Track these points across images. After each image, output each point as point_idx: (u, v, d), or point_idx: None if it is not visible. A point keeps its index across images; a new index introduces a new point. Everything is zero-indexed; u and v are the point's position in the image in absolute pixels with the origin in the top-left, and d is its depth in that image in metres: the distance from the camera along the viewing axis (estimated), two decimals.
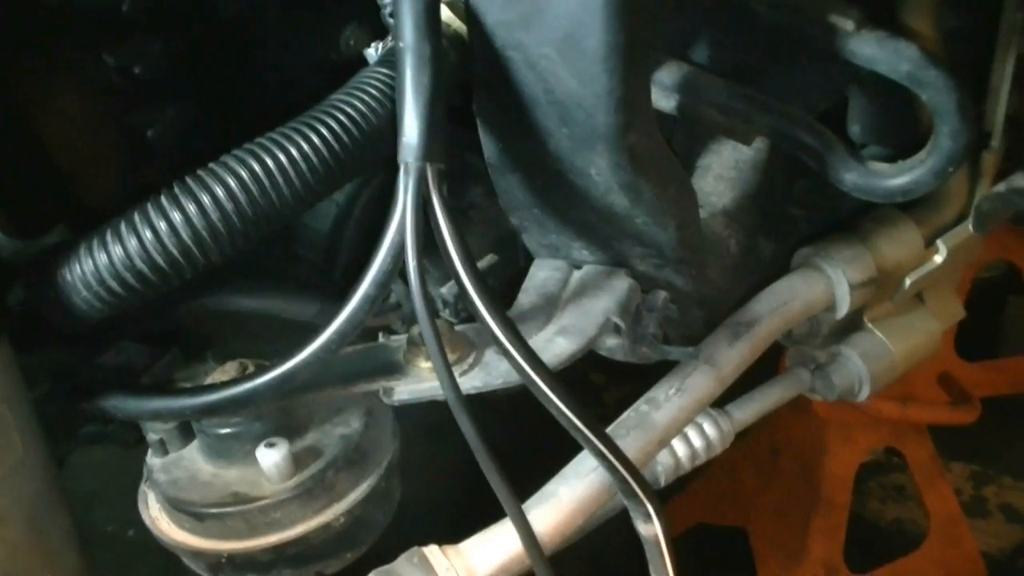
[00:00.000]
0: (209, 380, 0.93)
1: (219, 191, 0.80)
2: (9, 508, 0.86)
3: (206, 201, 0.80)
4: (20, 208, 0.98)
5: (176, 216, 0.79)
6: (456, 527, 0.92)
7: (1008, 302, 2.18)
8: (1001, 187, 1.11)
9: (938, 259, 1.17)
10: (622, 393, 2.18)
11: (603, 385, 2.22)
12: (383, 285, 0.79)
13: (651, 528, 0.86)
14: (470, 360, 0.89)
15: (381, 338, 0.93)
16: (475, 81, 0.86)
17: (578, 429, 0.80)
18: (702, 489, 1.86)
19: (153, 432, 0.95)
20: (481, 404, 0.83)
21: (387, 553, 0.90)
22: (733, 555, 1.86)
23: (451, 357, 0.87)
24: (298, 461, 0.90)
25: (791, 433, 1.80)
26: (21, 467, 0.87)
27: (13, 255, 0.95)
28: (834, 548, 1.75)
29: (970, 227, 1.15)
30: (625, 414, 0.97)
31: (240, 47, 1.09)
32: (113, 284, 0.81)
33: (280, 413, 0.92)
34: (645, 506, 0.84)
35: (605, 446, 0.81)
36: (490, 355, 0.90)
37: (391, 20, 0.95)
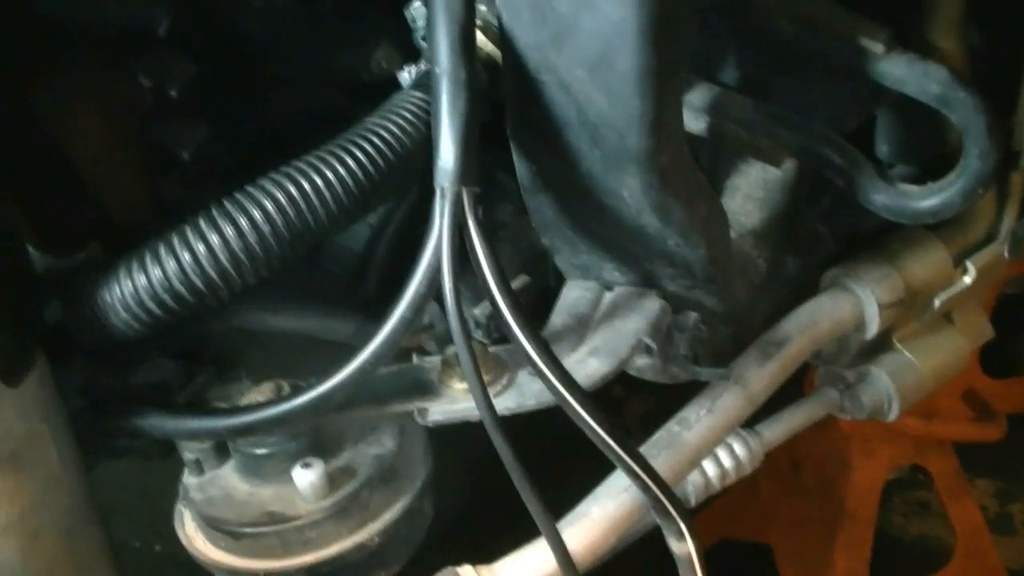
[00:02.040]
0: (245, 400, 0.94)
1: (256, 213, 0.81)
2: (46, 522, 0.87)
3: (244, 223, 0.80)
4: (54, 226, 0.99)
5: (215, 238, 0.80)
6: (470, 541, 0.93)
7: None
8: None
9: (967, 279, 1.17)
10: (643, 407, 2.18)
11: (624, 398, 2.22)
12: (419, 307, 0.79)
13: (684, 546, 0.86)
14: (503, 381, 0.90)
15: (415, 358, 0.94)
16: (508, 102, 0.86)
17: (612, 449, 0.80)
18: (724, 504, 1.85)
19: (189, 451, 0.96)
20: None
21: (415, 570, 0.91)
22: (757, 570, 1.85)
23: (485, 378, 0.87)
24: (333, 481, 0.91)
25: (813, 447, 1.80)
26: (58, 482, 0.88)
27: (46, 271, 0.97)
28: (859, 563, 1.75)
29: (1003, 252, 1.15)
30: (656, 434, 0.97)
31: (270, 67, 1.11)
32: (152, 305, 0.82)
33: (315, 433, 0.92)
34: (678, 524, 0.85)
35: (638, 465, 0.81)
36: (523, 376, 0.90)
37: (424, 43, 0.96)
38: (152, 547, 1.89)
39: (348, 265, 1.09)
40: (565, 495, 0.93)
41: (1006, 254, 1.16)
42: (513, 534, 0.90)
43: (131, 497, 1.77)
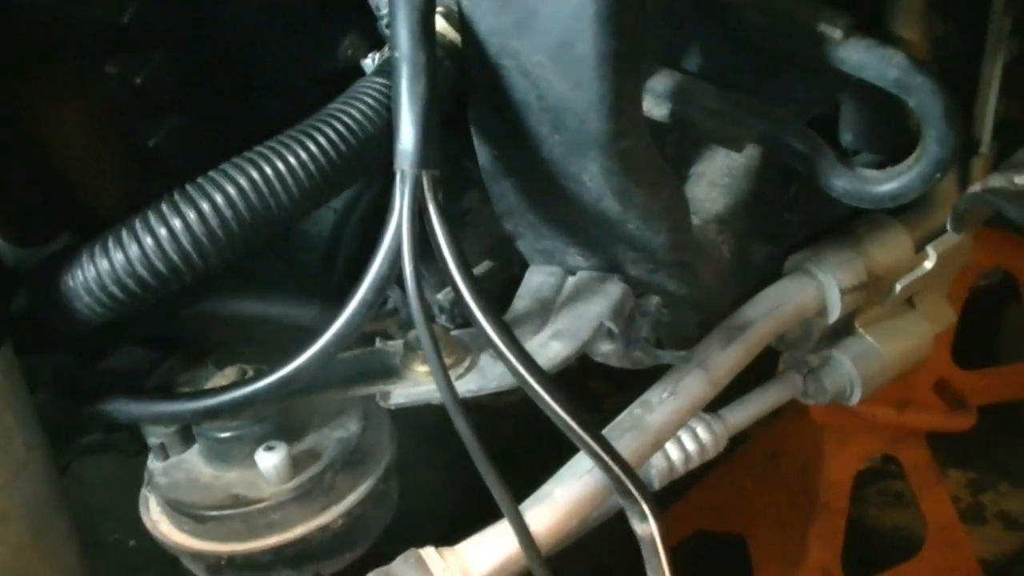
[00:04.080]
0: (209, 384, 0.95)
1: (218, 198, 0.81)
2: (12, 510, 0.87)
3: (205, 208, 0.81)
4: (23, 217, 1.00)
5: (176, 222, 0.81)
6: (447, 529, 0.93)
7: (1005, 310, 2.19)
8: (977, 187, 1.13)
9: (928, 264, 1.19)
10: (622, 401, 2.19)
11: (604, 393, 2.23)
12: (380, 290, 0.80)
13: (647, 527, 0.87)
14: (465, 364, 0.91)
15: (378, 343, 0.95)
16: (469, 88, 0.87)
17: (573, 430, 0.81)
18: (700, 496, 1.86)
19: (154, 436, 0.97)
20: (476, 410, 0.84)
21: (385, 554, 0.91)
22: (731, 562, 1.86)
23: (447, 361, 0.88)
24: (297, 463, 0.92)
25: (788, 439, 1.82)
26: (23, 470, 0.88)
27: (17, 262, 0.97)
28: (832, 554, 1.76)
29: (960, 235, 1.17)
30: (619, 417, 0.98)
31: (240, 58, 1.11)
32: (115, 289, 0.82)
33: (279, 416, 0.93)
34: (640, 505, 0.85)
35: (600, 446, 0.82)
36: (485, 359, 0.91)
37: (387, 31, 0.97)
38: (128, 542, 1.89)
39: (314, 252, 1.09)
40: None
41: (949, 227, 1.17)
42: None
43: (109, 493, 1.77)
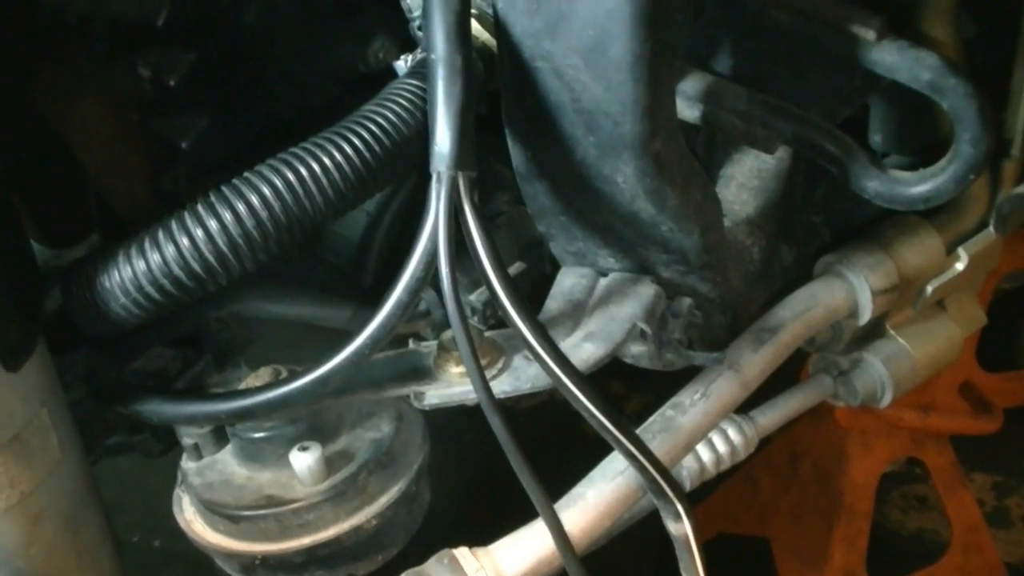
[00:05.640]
0: (243, 385, 0.95)
1: (254, 199, 0.82)
2: (47, 508, 0.88)
3: (241, 209, 0.81)
4: (54, 219, 1.00)
5: (213, 224, 0.81)
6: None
7: None
8: (1021, 189, 1.12)
9: (959, 266, 1.18)
10: (642, 403, 2.19)
11: (623, 395, 2.23)
12: (416, 291, 0.80)
13: (681, 527, 0.87)
14: (499, 365, 0.91)
15: (411, 344, 0.95)
16: (503, 90, 0.87)
17: (609, 431, 0.81)
18: (722, 498, 1.86)
19: (188, 437, 0.97)
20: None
21: (416, 556, 0.91)
22: (754, 564, 1.86)
23: (481, 362, 0.88)
24: (330, 464, 0.92)
25: (810, 441, 1.80)
26: (58, 469, 0.89)
27: (47, 263, 0.97)
28: (856, 557, 1.75)
29: (991, 230, 1.16)
30: (651, 419, 0.98)
31: (269, 60, 1.11)
32: (150, 290, 0.83)
33: (313, 417, 0.93)
34: (675, 505, 0.86)
35: (635, 447, 0.82)
36: (518, 360, 0.91)
37: (420, 33, 0.97)
38: (151, 543, 1.90)
39: (346, 254, 1.10)
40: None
41: (992, 229, 1.17)
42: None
43: (132, 494, 1.78)
